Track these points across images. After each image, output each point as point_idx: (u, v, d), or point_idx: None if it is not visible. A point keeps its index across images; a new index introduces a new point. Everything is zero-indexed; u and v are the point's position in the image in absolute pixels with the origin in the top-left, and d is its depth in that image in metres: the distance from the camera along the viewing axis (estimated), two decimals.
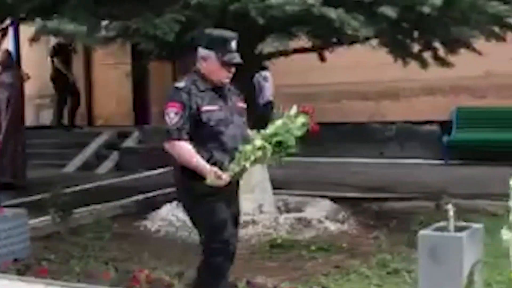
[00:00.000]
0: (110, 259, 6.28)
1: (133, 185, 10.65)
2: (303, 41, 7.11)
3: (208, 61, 4.14)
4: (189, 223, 7.32)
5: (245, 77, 7.68)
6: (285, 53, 7.59)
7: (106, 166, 12.66)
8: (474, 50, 6.95)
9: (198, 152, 4.06)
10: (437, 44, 6.73)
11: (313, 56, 8.59)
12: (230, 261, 4.35)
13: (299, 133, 4.05)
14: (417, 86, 11.93)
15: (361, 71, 12.03)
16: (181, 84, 4.13)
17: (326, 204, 7.94)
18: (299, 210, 7.95)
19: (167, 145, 4.12)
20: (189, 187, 4.14)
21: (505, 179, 10.51)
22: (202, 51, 4.16)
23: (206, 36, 4.22)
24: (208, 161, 4.04)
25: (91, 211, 8.08)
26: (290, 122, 4.07)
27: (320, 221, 7.41)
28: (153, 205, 8.52)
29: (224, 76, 4.18)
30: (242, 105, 4.35)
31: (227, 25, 6.12)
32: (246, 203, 7.66)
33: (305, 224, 7.35)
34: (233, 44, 4.16)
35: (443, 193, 8.43)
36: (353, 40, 6.81)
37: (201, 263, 4.36)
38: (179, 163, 4.13)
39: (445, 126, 11.70)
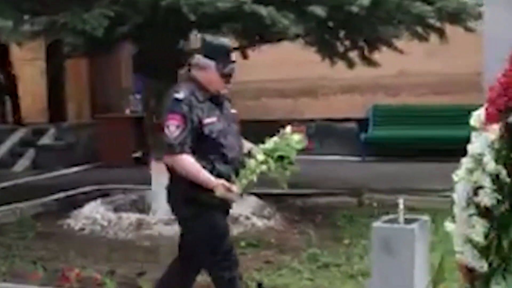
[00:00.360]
0: (37, 258, 6.18)
1: (51, 183, 10.44)
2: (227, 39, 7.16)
3: (207, 71, 3.98)
4: (114, 221, 7.46)
5: (171, 74, 7.69)
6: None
7: (22, 164, 12.35)
8: (395, 49, 7.15)
9: (200, 164, 3.93)
10: (362, 43, 6.89)
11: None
12: (236, 269, 4.21)
13: (298, 147, 4.04)
14: (335, 84, 12.17)
15: (280, 69, 12.16)
16: (180, 95, 3.92)
17: (252, 200, 8.01)
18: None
19: (168, 160, 3.95)
20: (191, 199, 3.99)
21: (421, 175, 10.93)
22: (201, 60, 4.00)
23: (207, 44, 4.05)
24: (211, 173, 3.92)
25: (13, 209, 7.90)
26: (287, 139, 4.08)
27: (247, 218, 7.48)
28: (75, 203, 8.40)
29: (222, 87, 4.06)
30: (234, 111, 4.27)
31: (158, 21, 6.15)
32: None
33: (232, 220, 7.36)
34: (233, 55, 4.07)
35: (364, 188, 8.68)
36: (280, 38, 6.90)
37: (214, 281, 4.23)
38: (184, 177, 3.95)
39: (362, 123, 11.98)
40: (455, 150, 12.18)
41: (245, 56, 9.04)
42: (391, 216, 3.16)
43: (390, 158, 11.29)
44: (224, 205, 4.14)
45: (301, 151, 4.12)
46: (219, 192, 3.85)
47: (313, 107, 12.39)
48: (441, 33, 6.76)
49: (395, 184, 9.22)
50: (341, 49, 6.93)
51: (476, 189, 2.75)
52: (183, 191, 4.02)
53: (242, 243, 6.66)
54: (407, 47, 7.78)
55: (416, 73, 11.40)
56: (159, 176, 7.82)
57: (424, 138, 11.31)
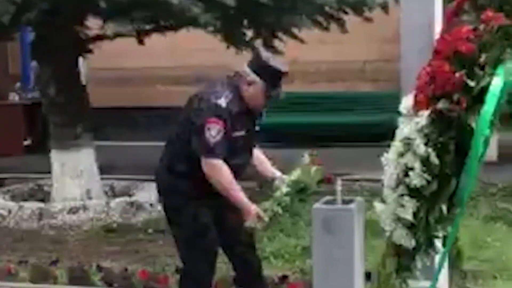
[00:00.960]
0: None
1: None
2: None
3: (253, 87, 3.89)
4: (14, 210, 7.29)
5: (70, 60, 7.59)
6: (108, 37, 7.58)
7: None
8: (296, 38, 7.35)
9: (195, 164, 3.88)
10: (265, 32, 7.04)
11: (126, 40, 8.45)
12: (212, 271, 4.12)
13: (317, 178, 4.09)
14: (229, 72, 12.25)
15: (175, 56, 12.16)
16: (223, 102, 3.82)
17: (154, 187, 8.01)
18: (127, 194, 7.98)
19: (206, 164, 3.82)
20: (178, 189, 3.96)
21: None
22: (251, 75, 3.88)
23: (261, 61, 3.92)
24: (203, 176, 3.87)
25: None
26: (308, 170, 4.09)
27: (151, 205, 7.49)
28: None
29: (262, 106, 4.03)
30: (257, 128, 4.19)
31: (64, 7, 6.08)
32: (74, 189, 7.63)
33: (137, 207, 7.42)
34: (283, 79, 3.98)
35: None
36: (183, 25, 6.95)
37: (182, 272, 4.20)
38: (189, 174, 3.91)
39: None
40: (347, 136, 12.63)
41: (141, 42, 9.01)
42: (328, 198, 3.32)
43: (284, 144, 11.53)
44: (213, 205, 4.02)
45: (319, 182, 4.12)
46: (251, 220, 3.81)
47: None
48: (341, 23, 7.03)
49: (293, 169, 9.46)
50: (246, 37, 7.07)
51: (407, 171, 2.96)
52: (169, 180, 4.00)
53: (150, 230, 6.72)
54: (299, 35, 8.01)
55: (308, 61, 11.68)
56: (60, 165, 7.76)
57: (317, 125, 11.61)
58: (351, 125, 11.51)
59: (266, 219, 3.80)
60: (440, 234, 3.04)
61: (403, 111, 3.05)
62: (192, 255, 4.04)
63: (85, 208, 7.24)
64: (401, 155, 2.96)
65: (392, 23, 8.90)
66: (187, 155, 3.93)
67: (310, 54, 11.22)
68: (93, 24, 7.64)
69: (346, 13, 7.30)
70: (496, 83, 2.84)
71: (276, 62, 3.98)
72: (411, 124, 2.92)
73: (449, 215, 2.99)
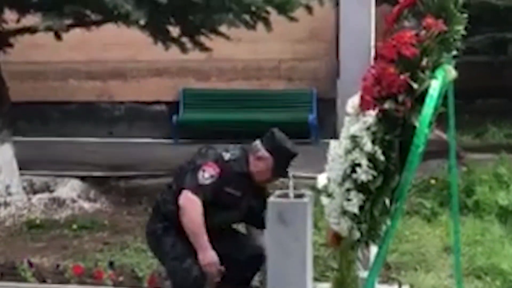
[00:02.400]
0: None
1: None
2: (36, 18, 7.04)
3: (263, 163, 4.06)
4: None
5: None
6: (31, 30, 7.49)
7: None
8: (222, 35, 7.48)
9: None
10: (192, 30, 7.12)
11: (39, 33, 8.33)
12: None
13: None
14: (144, 67, 12.28)
15: (88, 50, 12.03)
16: (226, 156, 4.03)
17: (75, 183, 7.99)
18: (47, 190, 7.91)
19: (185, 196, 3.95)
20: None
21: None
22: (263, 151, 4.08)
23: (275, 140, 4.15)
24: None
25: None
26: None
27: (73, 200, 7.48)
28: None
29: (266, 182, 4.14)
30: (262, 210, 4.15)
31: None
32: None
33: (59, 203, 7.37)
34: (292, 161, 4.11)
35: None
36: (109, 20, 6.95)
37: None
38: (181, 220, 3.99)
39: (173, 106, 12.22)
40: (261, 133, 12.95)
41: (59, 37, 8.91)
42: (280, 192, 3.47)
43: (201, 141, 11.60)
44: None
45: None
46: (208, 268, 3.93)
47: (122, 90, 12.41)
48: (266, 22, 7.20)
49: None
50: (174, 34, 7.15)
51: (354, 167, 3.14)
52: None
53: (74, 226, 6.70)
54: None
55: (224, 58, 11.81)
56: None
57: (232, 121, 11.78)
58: (266, 123, 11.67)
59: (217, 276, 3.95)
60: (382, 226, 3.23)
61: (350, 110, 3.22)
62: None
63: (6, 204, 7.15)
64: (349, 152, 3.14)
65: (305, 23, 9.22)
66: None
67: (226, 52, 11.34)
68: (8, 17, 7.55)
69: (268, 12, 7.48)
70: (435, 86, 3.06)
71: (288, 144, 4.20)
72: (358, 123, 3.09)
73: (391, 208, 3.19)
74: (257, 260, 4.05)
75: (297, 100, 12.15)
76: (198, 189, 3.94)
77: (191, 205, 3.92)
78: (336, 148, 3.22)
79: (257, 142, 4.16)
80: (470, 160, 8.42)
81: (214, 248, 3.96)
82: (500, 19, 9.58)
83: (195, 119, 11.94)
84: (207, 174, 3.95)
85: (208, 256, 3.93)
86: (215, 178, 3.95)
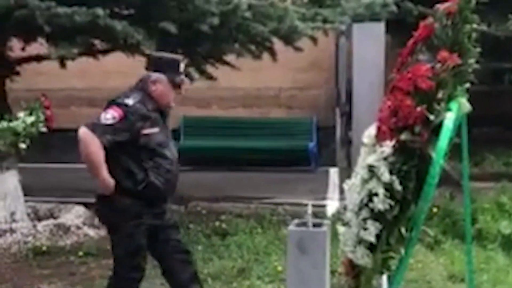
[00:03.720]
0: None
1: None
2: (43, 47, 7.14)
3: (160, 84, 4.15)
4: None
5: None
6: (38, 59, 7.58)
7: None
8: (227, 64, 7.58)
9: (133, 171, 4.07)
10: (199, 59, 7.23)
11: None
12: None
13: None
14: None
15: (90, 78, 12.14)
16: (130, 101, 4.06)
17: (79, 210, 8.00)
18: (51, 216, 7.93)
19: (83, 130, 4.01)
20: (118, 205, 4.12)
21: (233, 183, 11.42)
22: (153, 75, 4.15)
23: (156, 59, 4.25)
24: (142, 181, 4.07)
25: None
26: None
27: (78, 227, 7.49)
28: None
29: (172, 99, 4.23)
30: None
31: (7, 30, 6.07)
32: None
33: (64, 230, 7.39)
34: (182, 66, 4.23)
35: (188, 197, 9.00)
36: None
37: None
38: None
39: (173, 133, 12.25)
40: (261, 160, 12.92)
41: (63, 66, 9.01)
42: (299, 220, 3.53)
43: (202, 168, 11.71)
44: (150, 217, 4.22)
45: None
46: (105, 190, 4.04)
47: None
48: (272, 52, 7.30)
49: (213, 192, 9.65)
50: None
51: (371, 196, 3.21)
52: (112, 198, 4.14)
53: (80, 253, 6.72)
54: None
55: (225, 86, 11.91)
56: None
57: (233, 149, 11.86)
58: (266, 150, 11.84)
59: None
60: (397, 255, 3.29)
61: (366, 141, 3.30)
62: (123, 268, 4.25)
63: (11, 230, 7.16)
64: (365, 181, 3.20)
65: (306, 52, 9.33)
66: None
67: (227, 80, 11.44)
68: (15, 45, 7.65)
69: (271, 42, 7.60)
70: (450, 117, 3.15)
71: (166, 54, 4.37)
72: (375, 153, 3.16)
73: (407, 236, 3.25)
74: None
75: (297, 128, 12.25)
76: (95, 127, 4.01)
77: (89, 141, 4.00)
78: (351, 177, 3.29)
79: (144, 73, 4.27)
80: (471, 189, 8.48)
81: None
82: (500, 49, 9.73)
83: (196, 146, 12.01)
84: (109, 115, 4.02)
85: (110, 184, 4.04)
86: (118, 121, 4.01)
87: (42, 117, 4.59)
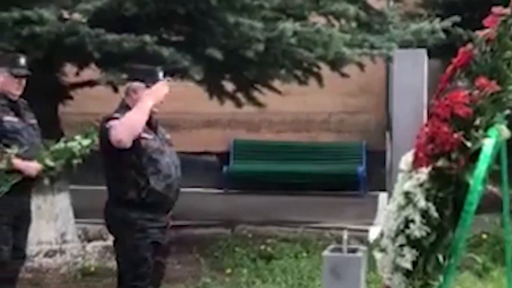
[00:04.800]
0: None
1: None
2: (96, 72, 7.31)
3: (139, 91, 4.39)
4: None
5: (51, 106, 7.72)
6: (91, 84, 7.76)
7: None
8: (274, 90, 7.65)
9: (135, 180, 4.26)
10: (246, 84, 7.32)
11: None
12: None
13: None
14: (196, 118, 12.54)
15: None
16: (117, 115, 4.36)
17: None
18: (101, 238, 8.06)
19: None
20: (124, 218, 4.25)
21: (281, 207, 11.45)
22: (131, 84, 4.40)
23: (134, 70, 4.55)
24: (144, 188, 4.25)
25: None
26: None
27: None
28: None
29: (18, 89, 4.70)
30: (168, 136, 4.65)
31: (58, 57, 6.26)
32: (50, 232, 7.69)
33: (113, 251, 7.48)
34: (161, 74, 4.44)
35: (235, 220, 9.06)
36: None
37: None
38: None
39: (223, 157, 12.40)
40: (310, 185, 12.88)
41: (116, 90, 9.20)
42: (333, 246, 3.54)
43: (251, 191, 11.76)
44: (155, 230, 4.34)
45: None
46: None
47: (174, 140, 12.58)
48: (318, 78, 7.34)
49: (260, 215, 9.70)
50: (228, 88, 7.34)
51: (407, 223, 3.20)
52: (116, 210, 4.32)
53: None
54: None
55: (275, 111, 11.96)
56: (36, 208, 7.78)
57: (282, 173, 11.90)
58: (315, 175, 11.84)
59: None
60: (435, 282, 3.27)
61: (403, 167, 3.30)
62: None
63: (61, 251, 7.31)
64: (402, 208, 3.20)
65: (355, 77, 9.33)
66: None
67: (276, 104, 11.51)
68: (69, 70, 7.85)
69: (318, 67, 7.64)
70: (489, 144, 3.13)
71: (146, 66, 4.63)
72: (412, 180, 3.16)
73: (445, 264, 3.23)
74: None
75: (347, 153, 12.23)
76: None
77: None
78: (389, 204, 3.29)
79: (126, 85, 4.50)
80: None
81: None
82: None
83: (245, 169, 12.09)
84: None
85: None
86: None
87: (97, 141, 4.75)
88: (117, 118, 4.21)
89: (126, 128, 4.13)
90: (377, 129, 11.93)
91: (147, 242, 4.29)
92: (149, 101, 4.24)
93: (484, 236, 7.42)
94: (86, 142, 4.96)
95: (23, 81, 4.89)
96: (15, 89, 4.83)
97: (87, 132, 5.09)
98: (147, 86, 4.31)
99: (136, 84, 4.36)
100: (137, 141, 4.18)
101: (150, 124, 4.38)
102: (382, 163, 10.88)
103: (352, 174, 11.79)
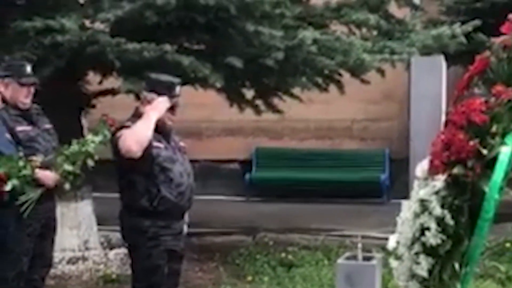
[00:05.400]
0: None
1: None
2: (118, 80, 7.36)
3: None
4: None
5: (74, 114, 7.79)
6: (113, 92, 7.81)
7: None
8: (295, 97, 7.66)
9: (147, 188, 4.31)
10: (266, 92, 7.34)
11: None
12: None
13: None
14: (219, 126, 12.58)
15: None
16: (128, 123, 4.44)
17: None
18: (123, 245, 8.09)
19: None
20: (136, 226, 4.29)
21: (303, 214, 11.44)
22: (147, 95, 4.48)
23: (151, 81, 4.56)
24: (155, 197, 4.31)
25: None
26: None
27: None
28: None
29: (167, 119, 4.50)
30: (182, 144, 4.77)
31: (79, 65, 6.32)
32: (72, 239, 7.75)
33: None
34: (177, 88, 4.52)
35: (256, 228, 9.07)
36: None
37: None
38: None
39: (246, 165, 12.42)
40: (333, 192, 12.84)
41: (139, 98, 9.26)
42: (349, 254, 3.54)
43: (273, 199, 11.78)
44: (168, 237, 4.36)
45: None
46: None
47: (197, 148, 12.67)
48: (339, 84, 7.34)
49: (282, 223, 9.69)
50: (248, 96, 7.37)
51: (423, 231, 3.19)
52: (129, 218, 4.39)
53: None
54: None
55: (297, 118, 11.97)
56: (59, 215, 7.86)
57: (303, 180, 11.89)
58: (338, 182, 11.82)
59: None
60: None
61: (419, 174, 3.28)
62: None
63: (84, 258, 7.37)
64: (417, 215, 3.19)
65: (378, 84, 9.31)
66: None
67: (298, 112, 11.51)
68: (92, 78, 7.92)
69: (340, 75, 7.64)
70: (505, 152, 3.11)
71: (163, 76, 4.64)
72: (427, 187, 3.15)
73: (461, 272, 3.21)
74: None
75: (370, 160, 12.19)
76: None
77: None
78: (405, 211, 3.28)
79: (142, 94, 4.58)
80: None
81: None
82: None
83: (268, 177, 12.10)
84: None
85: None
86: None
87: (108, 135, 4.78)
88: (128, 127, 4.24)
89: (133, 139, 4.17)
90: (400, 136, 11.86)
91: (160, 250, 4.31)
92: (153, 116, 4.27)
93: (508, 244, 7.36)
94: (98, 138, 4.99)
95: (32, 89, 4.91)
96: (24, 97, 4.86)
97: (97, 129, 5.12)
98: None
99: (151, 95, 4.40)
100: (148, 150, 4.21)
101: (163, 133, 4.42)
102: (405, 171, 10.81)
103: (375, 182, 11.75)
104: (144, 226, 4.28)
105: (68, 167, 4.80)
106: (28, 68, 4.92)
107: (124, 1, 6.13)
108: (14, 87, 4.86)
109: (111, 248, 7.97)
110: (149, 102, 4.39)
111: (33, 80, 4.95)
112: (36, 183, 4.69)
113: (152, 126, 4.22)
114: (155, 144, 4.29)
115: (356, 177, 11.75)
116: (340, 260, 3.43)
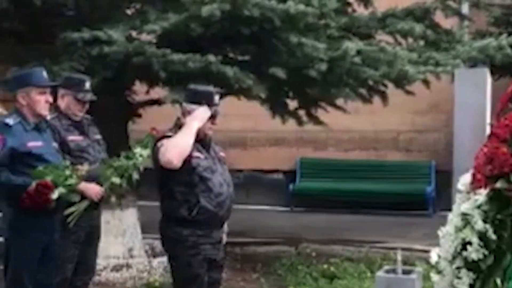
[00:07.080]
0: None
1: None
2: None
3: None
4: None
5: (120, 124, 7.90)
6: (159, 102, 7.89)
7: None
8: (339, 108, 7.64)
9: (186, 198, 4.35)
10: (309, 103, 7.35)
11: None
12: None
13: None
14: (263, 137, 12.61)
15: None
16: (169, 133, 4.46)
17: None
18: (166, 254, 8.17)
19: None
20: (176, 235, 4.35)
21: (347, 225, 11.39)
22: (187, 106, 4.48)
23: (191, 92, 4.58)
24: (194, 206, 4.33)
25: None
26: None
27: None
28: None
29: (207, 129, 4.48)
30: (222, 154, 4.70)
31: (125, 76, 6.42)
32: (117, 247, 7.84)
33: None
34: (217, 98, 4.51)
35: (299, 238, 9.05)
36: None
37: None
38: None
39: (290, 175, 12.43)
40: (378, 203, 12.75)
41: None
42: (389, 267, 3.52)
43: (316, 209, 11.75)
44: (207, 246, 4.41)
45: None
46: None
47: (242, 158, 12.73)
48: (383, 96, 7.31)
49: (325, 234, 9.66)
50: (291, 107, 7.38)
51: (464, 245, 3.16)
52: (168, 228, 4.45)
53: None
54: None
55: (342, 129, 11.94)
56: (104, 223, 7.96)
57: (347, 191, 11.84)
58: (383, 194, 11.74)
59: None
60: None
61: (461, 188, 3.25)
62: None
63: (128, 266, 7.44)
64: (459, 229, 3.16)
65: (424, 95, 9.24)
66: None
67: (343, 123, 11.49)
68: (138, 89, 8.02)
69: (385, 86, 7.60)
70: None
71: (202, 86, 4.70)
72: (470, 201, 3.12)
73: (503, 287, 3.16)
74: None
75: (415, 172, 12.08)
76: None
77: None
78: (446, 225, 3.25)
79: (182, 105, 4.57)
80: None
81: None
82: None
83: (312, 188, 12.08)
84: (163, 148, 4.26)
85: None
86: None
87: None
88: (170, 137, 4.29)
89: (174, 151, 4.20)
90: (446, 148, 11.73)
91: (199, 259, 4.34)
92: (194, 125, 4.30)
93: None
94: (146, 152, 5.02)
95: (87, 105, 5.00)
96: (78, 111, 4.96)
97: (145, 142, 5.15)
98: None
99: (191, 106, 4.43)
100: (188, 160, 4.25)
101: (203, 143, 4.44)
102: (451, 183, 10.70)
103: (421, 194, 11.64)
104: (183, 235, 4.32)
105: (115, 179, 4.85)
106: (87, 84, 4.99)
107: (170, 13, 6.21)
108: (70, 100, 4.94)
109: (155, 256, 8.04)
110: (189, 112, 4.42)
111: (90, 98, 5.02)
112: (82, 194, 4.75)
113: (193, 136, 4.26)
114: (195, 154, 4.32)
115: (402, 189, 11.66)
116: (379, 273, 3.42)
